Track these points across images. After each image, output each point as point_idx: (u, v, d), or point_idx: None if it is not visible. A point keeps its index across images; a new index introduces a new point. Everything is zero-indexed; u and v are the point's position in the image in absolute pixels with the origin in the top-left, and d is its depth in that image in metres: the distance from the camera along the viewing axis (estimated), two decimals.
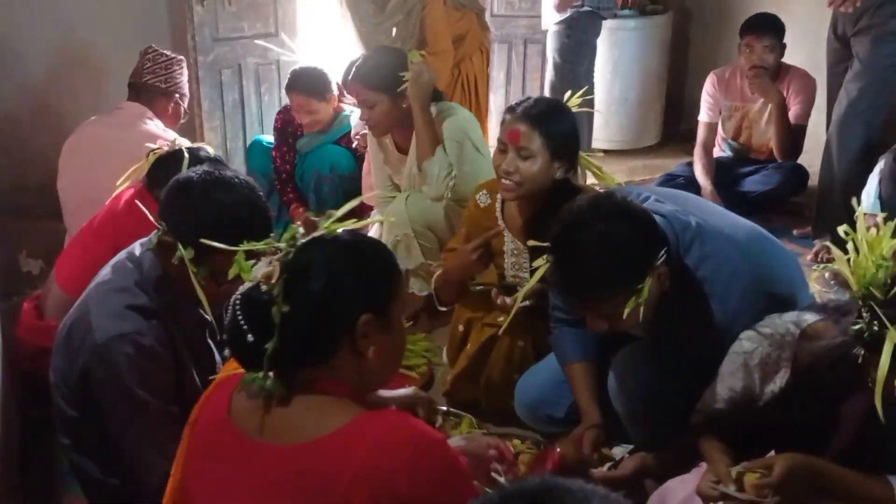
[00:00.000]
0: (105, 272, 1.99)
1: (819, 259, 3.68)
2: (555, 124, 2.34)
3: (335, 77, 3.81)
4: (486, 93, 3.78)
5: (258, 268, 1.35)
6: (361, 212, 3.74)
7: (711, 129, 4.23)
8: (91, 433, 1.95)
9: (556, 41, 4.24)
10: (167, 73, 3.28)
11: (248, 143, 4.25)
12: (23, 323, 2.65)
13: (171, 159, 2.57)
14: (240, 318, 1.33)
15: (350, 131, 3.82)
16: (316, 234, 1.37)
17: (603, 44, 4.58)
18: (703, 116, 4.26)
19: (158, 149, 2.63)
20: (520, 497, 0.84)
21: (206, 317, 2.03)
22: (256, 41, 4.18)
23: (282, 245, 1.36)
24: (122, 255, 2.03)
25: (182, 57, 3.42)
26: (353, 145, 3.79)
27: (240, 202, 1.87)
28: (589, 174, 2.66)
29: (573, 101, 2.49)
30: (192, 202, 1.86)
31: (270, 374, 1.31)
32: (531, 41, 4.79)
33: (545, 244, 1.92)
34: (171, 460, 1.70)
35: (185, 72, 3.40)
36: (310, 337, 1.32)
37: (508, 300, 2.42)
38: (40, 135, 4.00)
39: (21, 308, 2.72)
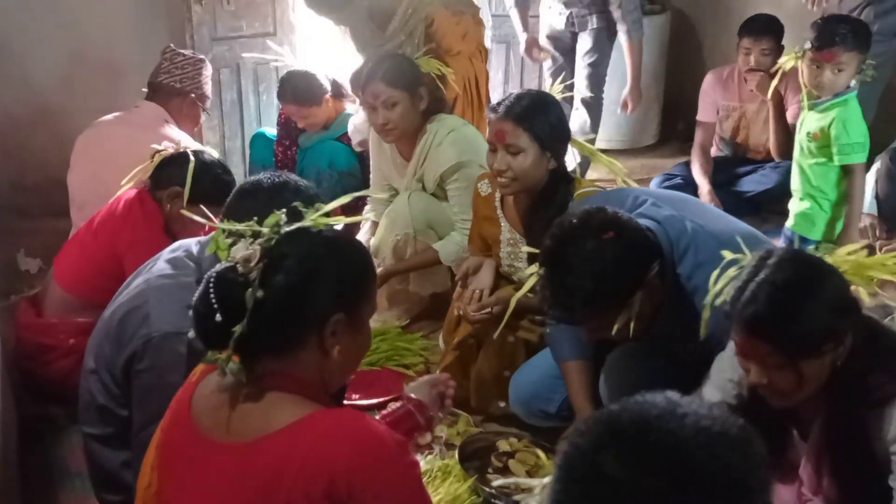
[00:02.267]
0: (161, 266, 1.99)
1: None
2: (539, 117, 2.36)
3: (329, 76, 3.81)
4: (487, 92, 3.79)
5: (237, 249, 1.32)
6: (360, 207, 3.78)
7: (709, 128, 4.24)
8: (118, 423, 1.96)
9: (598, 44, 4.26)
10: (183, 73, 3.24)
11: (246, 140, 4.27)
12: (21, 321, 2.65)
13: (176, 162, 2.58)
14: (212, 296, 1.31)
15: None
16: (300, 224, 1.36)
17: None
18: (701, 116, 4.27)
19: (164, 150, 2.64)
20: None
21: None
22: (245, 54, 4.18)
23: (264, 229, 1.34)
24: (177, 249, 2.04)
25: (203, 57, 3.38)
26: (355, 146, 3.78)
27: (304, 202, 1.90)
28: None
29: (555, 89, 2.54)
30: (261, 203, 1.87)
31: (234, 357, 1.30)
32: None
33: (535, 251, 1.93)
34: None
35: (207, 72, 3.35)
36: (279, 327, 1.31)
37: (471, 310, 2.49)
38: (38, 134, 4.01)
39: (19, 307, 2.72)
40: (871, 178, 3.36)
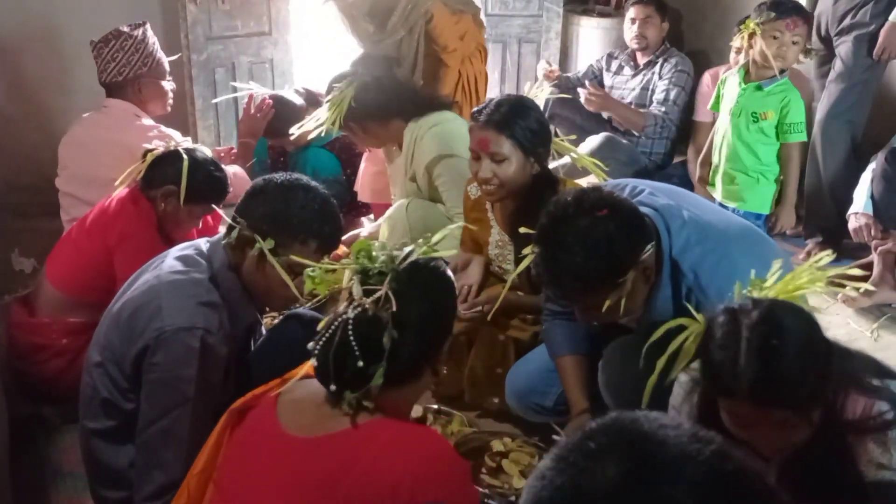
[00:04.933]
0: (172, 262, 1.99)
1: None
2: (520, 123, 2.36)
3: (301, 88, 3.81)
4: (485, 92, 3.80)
5: (355, 289, 1.37)
6: (364, 211, 3.78)
7: (706, 128, 4.23)
8: (121, 417, 1.94)
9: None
10: (116, 63, 3.04)
11: None
12: (13, 321, 2.64)
13: (168, 160, 2.58)
14: (352, 341, 1.35)
15: (340, 136, 3.80)
16: (413, 257, 1.43)
17: (596, 44, 4.58)
18: (698, 116, 4.27)
19: (154, 149, 2.63)
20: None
21: (259, 318, 2.18)
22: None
23: (377, 266, 1.39)
24: (186, 248, 2.04)
25: (125, 30, 3.08)
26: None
27: (317, 199, 1.97)
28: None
29: (533, 91, 2.55)
30: (274, 199, 1.95)
31: (356, 393, 1.35)
32: (525, 40, 4.81)
33: (532, 231, 1.93)
34: (184, 467, 1.71)
35: (138, 43, 3.06)
36: (410, 363, 1.39)
37: (462, 309, 2.48)
38: (33, 133, 4.00)
39: (11, 307, 2.71)
40: (866, 178, 3.35)
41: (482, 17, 4.14)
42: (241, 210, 1.97)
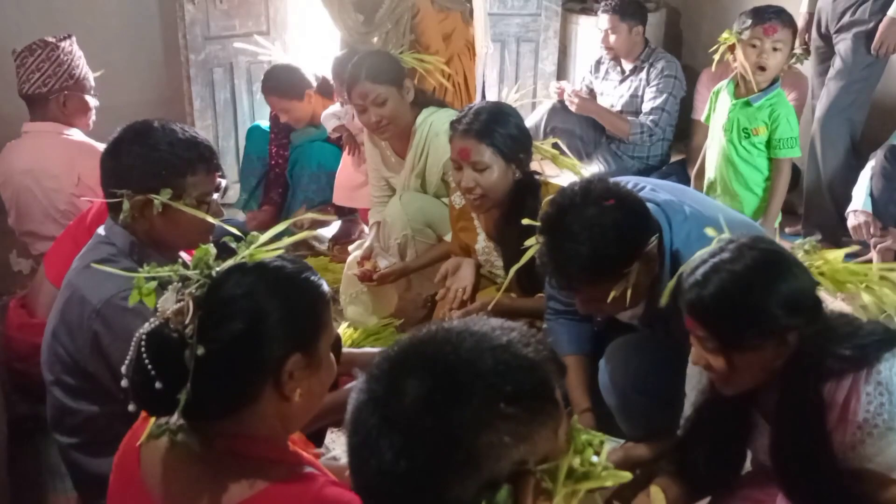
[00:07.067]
0: (76, 263, 1.95)
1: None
2: (500, 131, 2.37)
3: (318, 74, 3.81)
4: (475, 88, 3.79)
5: (165, 300, 1.17)
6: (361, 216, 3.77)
7: (703, 126, 4.22)
8: (93, 426, 1.91)
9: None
10: (41, 75, 2.93)
11: (240, 140, 4.26)
12: (13, 322, 2.63)
13: None
14: (146, 361, 1.16)
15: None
16: (234, 261, 1.20)
17: (595, 43, 4.58)
18: (696, 114, 4.27)
19: None
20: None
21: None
22: (236, 43, 4.14)
23: (192, 274, 1.18)
24: (86, 249, 1.97)
25: (51, 40, 2.95)
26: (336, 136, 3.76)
27: (173, 129, 1.87)
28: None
29: (511, 97, 2.58)
30: (139, 154, 1.84)
31: (180, 423, 1.17)
32: (524, 39, 4.81)
33: (535, 223, 1.93)
34: None
35: (65, 56, 2.95)
36: (229, 384, 1.17)
37: (455, 316, 2.48)
38: None
39: (7, 307, 2.70)
40: (865, 175, 3.36)
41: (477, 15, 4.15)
42: (114, 183, 1.85)
